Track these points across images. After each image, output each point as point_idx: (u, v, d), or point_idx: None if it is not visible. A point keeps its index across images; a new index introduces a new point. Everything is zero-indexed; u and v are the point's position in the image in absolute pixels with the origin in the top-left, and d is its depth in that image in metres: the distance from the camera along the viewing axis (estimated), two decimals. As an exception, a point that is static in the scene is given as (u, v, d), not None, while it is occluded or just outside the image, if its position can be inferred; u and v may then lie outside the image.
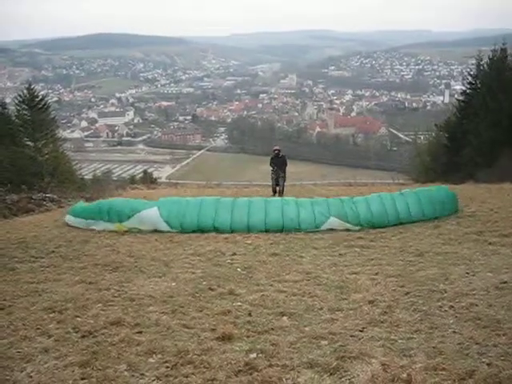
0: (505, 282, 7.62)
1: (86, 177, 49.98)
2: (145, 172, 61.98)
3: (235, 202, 13.50)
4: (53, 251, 11.05)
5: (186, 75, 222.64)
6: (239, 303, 7.33)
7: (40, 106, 34.71)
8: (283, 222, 12.55)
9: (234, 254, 10.38)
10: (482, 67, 34.25)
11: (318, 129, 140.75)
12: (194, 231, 12.69)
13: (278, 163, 18.88)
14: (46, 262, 10.12)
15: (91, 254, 10.76)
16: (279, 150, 19.06)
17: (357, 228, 12.40)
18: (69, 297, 7.65)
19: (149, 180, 45.98)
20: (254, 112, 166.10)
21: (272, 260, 9.81)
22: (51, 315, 6.90)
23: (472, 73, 35.78)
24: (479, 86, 33.58)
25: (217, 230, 12.62)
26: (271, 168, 19.06)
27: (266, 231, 12.43)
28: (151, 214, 13.05)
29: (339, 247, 10.68)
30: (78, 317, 6.81)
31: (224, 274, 8.84)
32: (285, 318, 6.69)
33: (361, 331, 6.10)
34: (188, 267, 9.44)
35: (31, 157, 31.12)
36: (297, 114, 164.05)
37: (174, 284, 8.38)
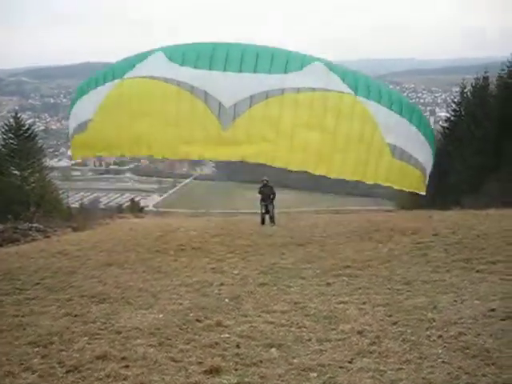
0: (493, 310, 7.64)
1: (72, 205, 49.71)
2: (132, 201, 61.84)
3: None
4: (38, 283, 10.91)
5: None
6: (227, 335, 7.26)
7: (27, 135, 34.68)
8: None
9: (222, 284, 10.30)
10: (465, 95, 34.85)
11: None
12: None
13: (266, 192, 19.70)
14: (32, 293, 9.98)
15: (77, 285, 10.63)
16: (267, 181, 19.93)
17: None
18: (54, 330, 7.54)
19: (136, 209, 45.81)
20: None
21: (260, 290, 9.74)
22: (36, 349, 6.80)
23: (456, 100, 36.39)
24: (463, 113, 34.13)
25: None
26: (260, 197, 19.78)
27: None
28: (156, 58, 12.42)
29: (327, 276, 10.63)
30: (63, 351, 6.71)
31: (211, 305, 8.76)
32: (273, 349, 6.64)
33: (350, 362, 6.06)
34: (175, 298, 9.35)
35: (18, 186, 30.94)
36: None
37: (161, 316, 8.29)
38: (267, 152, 11.90)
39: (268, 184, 19.95)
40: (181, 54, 11.99)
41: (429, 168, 13.80)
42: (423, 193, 14.03)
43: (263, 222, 19.53)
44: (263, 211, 19.65)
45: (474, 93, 33.83)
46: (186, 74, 11.62)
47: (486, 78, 33.63)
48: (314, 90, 11.62)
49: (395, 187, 13.48)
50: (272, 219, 19.48)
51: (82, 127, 13.30)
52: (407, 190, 13.61)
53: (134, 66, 12.58)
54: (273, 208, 19.70)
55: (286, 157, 11.72)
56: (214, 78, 11.27)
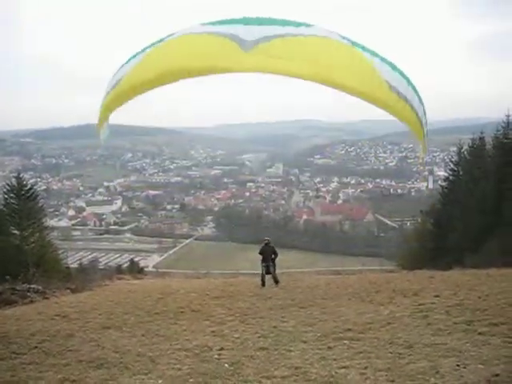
0: (497, 375, 7.53)
1: (71, 265, 49.44)
2: (131, 261, 61.53)
3: None
4: (35, 346, 10.77)
5: (174, 164, 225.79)
6: (227, 402, 7.14)
7: (28, 195, 34.88)
8: None
9: (222, 348, 10.16)
10: (462, 154, 35.34)
11: (304, 216, 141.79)
12: None
13: (268, 251, 19.46)
14: (28, 358, 9.84)
15: (75, 349, 10.50)
16: (269, 241, 19.84)
17: None
18: (51, 397, 7.42)
19: (135, 269, 45.54)
20: (241, 200, 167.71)
21: (260, 355, 9.61)
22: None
23: (454, 160, 36.85)
24: (461, 172, 34.51)
25: None
26: (261, 257, 19.51)
27: None
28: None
29: (328, 339, 10.51)
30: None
31: (211, 371, 8.63)
32: (274, 417, 6.51)
33: (352, 430, 5.94)
34: (175, 363, 9.22)
35: (16, 245, 30.90)
36: (283, 202, 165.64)
37: (160, 382, 8.18)
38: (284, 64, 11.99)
39: (269, 244, 19.79)
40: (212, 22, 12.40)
41: (424, 123, 13.34)
42: (420, 140, 13.35)
43: (264, 283, 19.03)
44: (264, 272, 19.27)
45: (471, 152, 34.33)
46: (214, 28, 12.05)
47: (482, 139, 34.23)
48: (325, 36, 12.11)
49: (396, 117, 12.87)
50: (275, 280, 19.11)
51: (114, 85, 12.97)
52: (408, 128, 13.02)
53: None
54: (274, 269, 19.38)
55: (302, 70, 11.76)
56: (237, 27, 11.71)
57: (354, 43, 11.97)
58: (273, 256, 19.45)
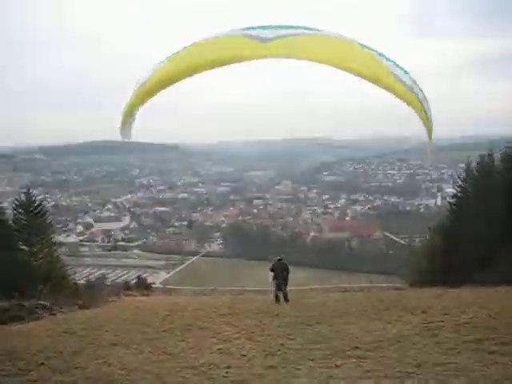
0: (506, 395, 7.45)
1: (79, 282, 49.41)
2: (139, 278, 61.31)
3: None
4: (42, 363, 10.77)
5: (182, 181, 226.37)
6: (234, 421, 7.09)
7: (37, 211, 34.97)
8: None
9: (229, 366, 10.11)
10: (470, 171, 35.25)
11: (312, 233, 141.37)
12: None
13: (280, 268, 19.35)
14: (35, 375, 9.84)
15: (82, 366, 10.48)
16: (282, 258, 19.85)
17: None
18: (57, 415, 7.39)
19: (143, 286, 45.41)
20: (249, 217, 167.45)
21: (267, 373, 9.56)
22: None
23: (462, 177, 36.73)
24: (469, 189, 34.38)
25: None
26: (272, 274, 19.40)
27: None
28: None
29: (336, 358, 10.44)
30: None
31: (218, 389, 8.60)
32: None
33: None
34: (181, 381, 9.20)
35: (25, 261, 30.93)
36: (292, 219, 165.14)
37: (166, 400, 8.13)
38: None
39: (282, 260, 19.73)
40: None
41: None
42: (424, 121, 13.40)
43: (278, 299, 19.08)
44: (276, 289, 19.25)
45: (480, 169, 34.24)
46: (232, 32, 12.73)
47: (490, 155, 34.13)
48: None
49: (402, 99, 13.01)
50: (285, 298, 19.09)
51: (142, 83, 13.20)
52: (414, 110, 13.14)
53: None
54: (285, 287, 19.29)
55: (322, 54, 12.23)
56: (252, 31, 12.21)
57: (362, 45, 12.63)
58: (284, 273, 19.33)
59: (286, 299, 19.10)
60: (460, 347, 10.56)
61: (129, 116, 13.12)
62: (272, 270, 19.52)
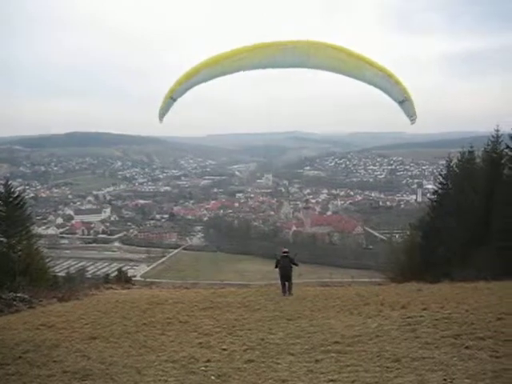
0: (483, 390, 7.53)
1: (59, 274, 49.01)
2: (119, 270, 60.91)
3: None
4: (20, 357, 10.63)
5: (164, 174, 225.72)
6: (212, 415, 7.08)
7: (16, 202, 34.53)
8: None
9: (209, 360, 10.09)
10: (451, 168, 35.47)
11: (294, 228, 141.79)
12: None
13: (286, 265, 19.75)
14: (12, 369, 9.71)
15: (60, 360, 10.37)
16: (287, 252, 20.23)
17: None
18: (34, 409, 7.31)
19: (123, 279, 45.13)
20: (230, 211, 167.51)
21: (247, 367, 9.55)
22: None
23: (442, 173, 36.98)
24: (450, 186, 34.62)
25: None
26: (278, 266, 19.94)
27: None
28: None
29: (316, 352, 10.47)
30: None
31: (198, 383, 8.57)
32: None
33: None
34: (161, 375, 9.14)
35: (3, 253, 30.55)
36: (273, 213, 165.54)
37: (145, 394, 8.09)
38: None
39: (288, 255, 20.06)
40: None
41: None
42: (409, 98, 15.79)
43: (284, 288, 19.65)
44: (283, 281, 19.79)
45: (460, 166, 34.47)
46: None
47: (471, 152, 34.35)
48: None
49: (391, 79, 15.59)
50: (290, 290, 19.58)
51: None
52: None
53: None
54: (290, 279, 19.80)
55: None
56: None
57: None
58: (290, 267, 19.80)
59: (290, 291, 19.54)
60: (438, 342, 10.65)
61: (170, 94, 15.32)
62: (277, 264, 19.99)
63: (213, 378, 8.92)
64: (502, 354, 9.48)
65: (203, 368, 9.56)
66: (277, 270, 20.03)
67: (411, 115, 15.97)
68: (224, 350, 11.01)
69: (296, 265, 20.10)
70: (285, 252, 20.25)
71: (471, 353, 9.65)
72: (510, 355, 9.37)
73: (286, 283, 19.71)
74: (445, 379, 8.17)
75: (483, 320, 12.27)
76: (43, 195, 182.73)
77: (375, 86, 15.88)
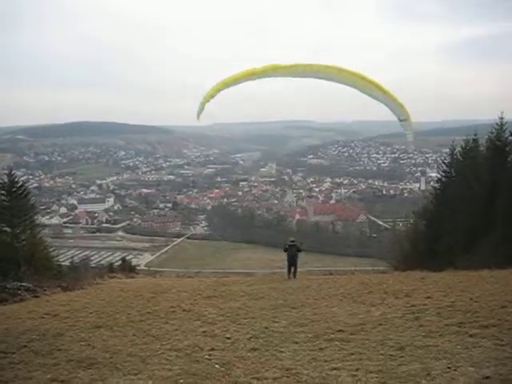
0: (487, 378, 7.54)
1: (63, 264, 49.15)
2: (123, 260, 61.06)
3: None
4: (25, 345, 10.69)
5: (167, 163, 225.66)
6: (217, 403, 7.10)
7: (19, 192, 34.56)
8: None
9: (213, 349, 10.11)
10: (455, 156, 35.35)
11: (297, 216, 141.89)
12: None
13: (293, 250, 22.29)
14: (17, 357, 9.76)
15: (65, 348, 10.41)
16: (294, 242, 22.86)
17: None
18: (39, 397, 7.34)
19: (127, 268, 45.26)
20: (234, 200, 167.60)
21: (251, 356, 9.57)
22: (20, 418, 6.60)
23: (446, 161, 36.85)
24: (453, 174, 34.51)
25: None
26: (286, 253, 22.56)
27: None
28: None
29: (319, 341, 10.48)
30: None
31: (202, 371, 8.59)
32: (264, 418, 6.48)
33: (342, 433, 5.92)
34: (165, 363, 9.16)
35: (7, 243, 30.63)
36: (276, 201, 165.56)
37: (150, 382, 8.13)
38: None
39: (294, 244, 22.50)
40: None
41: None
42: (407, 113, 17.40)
43: (289, 273, 22.25)
44: (289, 267, 22.35)
45: (464, 154, 34.33)
46: None
47: (475, 140, 34.19)
48: None
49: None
50: (295, 274, 22.18)
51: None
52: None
53: None
54: (296, 267, 22.29)
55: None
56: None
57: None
58: (296, 254, 22.33)
59: (295, 275, 22.15)
60: (442, 330, 10.65)
61: (208, 99, 16.83)
62: (285, 251, 22.49)
63: (217, 366, 8.95)
64: (506, 342, 9.48)
65: (207, 356, 9.59)
66: (285, 254, 22.55)
67: (408, 132, 18.32)
68: (228, 338, 11.03)
69: (301, 251, 22.56)
70: (292, 241, 22.70)
71: (475, 341, 9.65)
72: (513, 343, 9.39)
73: (292, 268, 22.19)
74: (449, 367, 8.17)
75: (487, 308, 12.27)
76: (47, 185, 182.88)
77: (382, 102, 17.61)
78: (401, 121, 17.77)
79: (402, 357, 8.98)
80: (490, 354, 8.77)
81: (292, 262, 22.30)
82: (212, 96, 17.13)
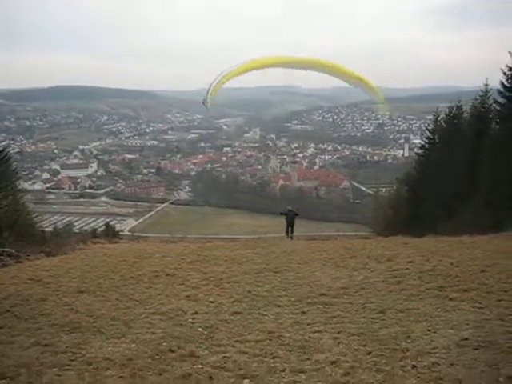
0: (466, 339, 7.69)
1: (46, 229, 48.90)
2: (107, 225, 61.03)
3: None
4: (7, 310, 10.65)
5: (151, 128, 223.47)
6: (200, 366, 7.16)
7: (1, 157, 34.09)
8: None
9: (196, 312, 10.17)
10: (439, 122, 35.44)
11: (281, 182, 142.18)
12: None
13: (290, 215, 27.41)
14: (0, 322, 9.73)
15: (48, 313, 10.40)
16: (291, 209, 27.96)
17: None
18: (22, 361, 7.35)
19: (111, 233, 45.24)
20: (217, 165, 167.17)
21: (234, 319, 9.64)
22: (2, 382, 6.60)
23: (430, 128, 36.96)
24: (437, 140, 34.64)
25: None
26: (285, 218, 27.64)
27: None
28: None
29: (302, 304, 10.59)
30: (31, 383, 6.53)
31: (185, 335, 8.64)
32: (246, 381, 6.57)
33: (323, 394, 6.01)
34: (148, 327, 9.20)
35: (-11, 209, 30.31)
36: (260, 167, 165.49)
37: (133, 345, 8.16)
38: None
39: (292, 210, 27.70)
40: None
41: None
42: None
43: (288, 234, 27.32)
44: (287, 229, 27.34)
45: (448, 121, 34.40)
46: None
47: (459, 107, 34.22)
48: None
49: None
50: (291, 233, 27.19)
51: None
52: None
53: None
54: (293, 228, 27.29)
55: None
56: None
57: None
58: (293, 218, 27.33)
59: (291, 236, 27.00)
60: (423, 294, 10.81)
61: (215, 93, 20.64)
62: (284, 215, 27.55)
63: (200, 329, 9.01)
64: (485, 305, 9.67)
65: (190, 320, 9.64)
66: (284, 219, 27.59)
67: (382, 112, 22.45)
68: (211, 302, 11.08)
69: (298, 215, 28.12)
70: (289, 209, 27.75)
71: (455, 304, 9.82)
72: (491, 306, 9.57)
73: (290, 228, 27.16)
74: (429, 330, 8.32)
75: (467, 273, 12.47)
76: (28, 150, 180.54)
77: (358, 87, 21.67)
78: (375, 103, 22.05)
79: (383, 320, 9.12)
80: (468, 316, 8.93)
81: (290, 224, 27.15)
82: (217, 90, 20.84)
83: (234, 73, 19.87)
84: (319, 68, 21.50)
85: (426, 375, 6.45)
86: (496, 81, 30.48)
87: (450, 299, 10.22)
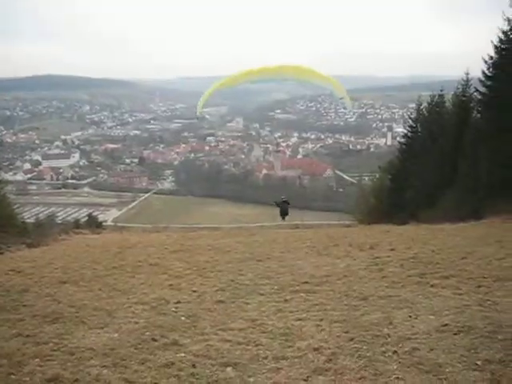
0: (446, 325, 7.79)
1: (28, 221, 48.47)
2: (89, 215, 60.51)
3: None
4: (-11, 302, 10.57)
5: (133, 118, 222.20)
6: (183, 354, 7.18)
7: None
8: None
9: (179, 301, 10.17)
10: (421, 111, 35.66)
11: (264, 171, 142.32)
12: None
13: (284, 206, 31.45)
14: (-19, 313, 9.66)
15: (30, 304, 10.33)
16: (286, 199, 32.14)
17: None
18: (3, 352, 7.30)
19: (94, 224, 44.90)
20: (201, 155, 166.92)
21: (217, 307, 9.67)
22: (-17, 373, 6.57)
23: (412, 117, 37.18)
24: (419, 129, 34.87)
25: None
26: (278, 207, 31.77)
27: None
28: None
29: (285, 292, 10.64)
30: (13, 374, 6.50)
31: (168, 324, 8.65)
32: (229, 368, 6.60)
33: (305, 380, 6.08)
34: (131, 317, 9.19)
35: (-31, 200, 29.98)
36: (243, 156, 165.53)
37: (116, 335, 8.14)
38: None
39: (286, 201, 31.68)
40: None
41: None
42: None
43: (282, 217, 31.62)
44: (282, 214, 31.45)
45: (430, 109, 34.62)
46: None
47: (441, 96, 34.43)
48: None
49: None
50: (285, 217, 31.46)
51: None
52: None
53: None
54: (286, 215, 31.50)
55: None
56: None
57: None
58: (287, 207, 31.54)
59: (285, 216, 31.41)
60: (404, 281, 10.91)
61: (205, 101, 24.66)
62: (278, 205, 31.61)
63: (183, 318, 9.02)
64: (465, 291, 9.80)
65: (173, 309, 9.64)
66: (278, 209, 31.65)
67: (348, 107, 24.70)
68: (194, 291, 11.09)
69: (289, 204, 32.07)
70: (284, 199, 31.73)
71: (436, 291, 9.94)
72: (471, 292, 9.71)
73: (285, 216, 31.33)
74: (410, 316, 8.41)
75: (448, 260, 12.62)
76: (9, 140, 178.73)
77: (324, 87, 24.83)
78: (340, 98, 23.60)
79: (365, 307, 9.20)
80: (449, 302, 9.05)
81: (285, 213, 31.37)
82: (210, 95, 24.65)
83: (227, 81, 23.61)
84: (282, 77, 25.50)
85: (406, 360, 6.54)
86: (478, 70, 30.73)
87: (431, 286, 10.34)
